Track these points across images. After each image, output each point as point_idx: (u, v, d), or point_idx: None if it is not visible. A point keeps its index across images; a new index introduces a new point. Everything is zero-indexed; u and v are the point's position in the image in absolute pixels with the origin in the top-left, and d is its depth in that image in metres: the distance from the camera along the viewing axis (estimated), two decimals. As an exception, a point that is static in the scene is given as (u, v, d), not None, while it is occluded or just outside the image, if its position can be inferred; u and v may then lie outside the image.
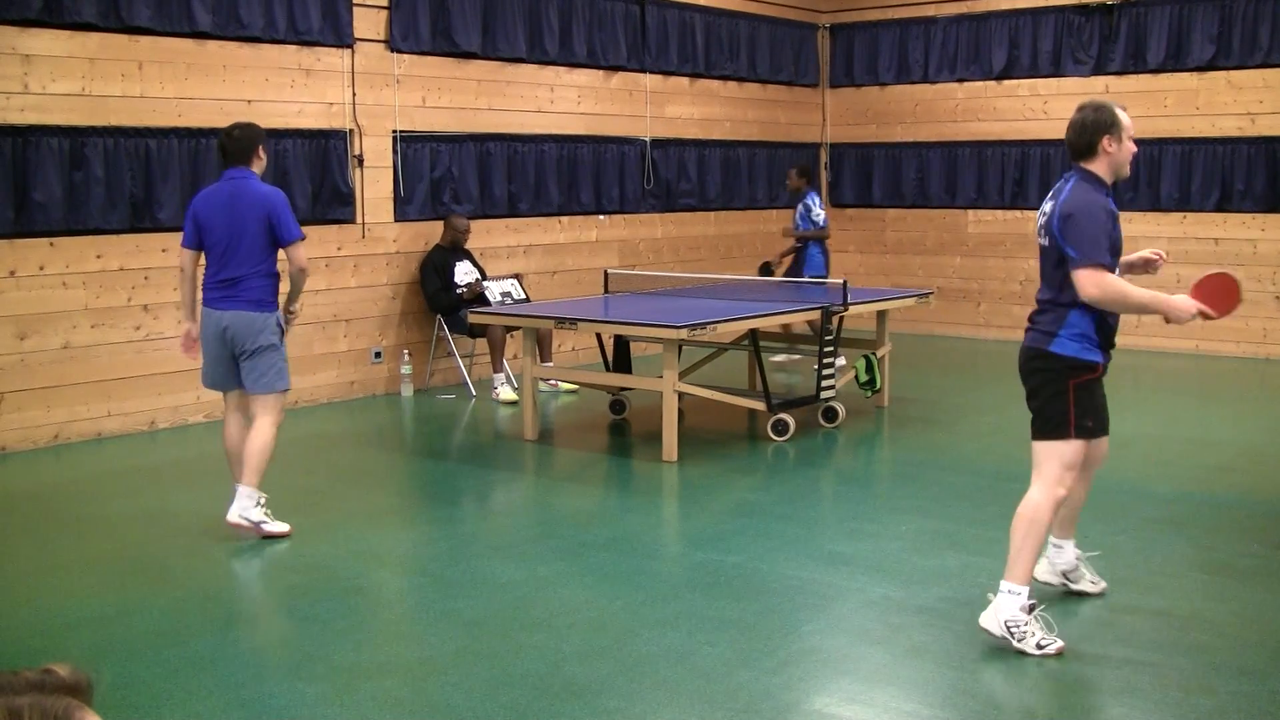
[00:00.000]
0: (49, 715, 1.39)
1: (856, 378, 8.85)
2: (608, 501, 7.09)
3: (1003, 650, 4.52)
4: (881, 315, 9.36)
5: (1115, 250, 4.67)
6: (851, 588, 5.27)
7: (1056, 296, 4.61)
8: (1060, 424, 4.55)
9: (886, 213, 13.83)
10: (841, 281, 8.77)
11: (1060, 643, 4.51)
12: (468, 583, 5.36)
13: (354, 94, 9.45)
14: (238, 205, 5.99)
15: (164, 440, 8.26)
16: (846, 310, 8.47)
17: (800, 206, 10.99)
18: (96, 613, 5.03)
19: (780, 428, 8.12)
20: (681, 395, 7.91)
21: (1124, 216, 13.44)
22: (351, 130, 9.45)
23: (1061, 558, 5.08)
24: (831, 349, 8.38)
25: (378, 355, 9.82)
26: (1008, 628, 4.51)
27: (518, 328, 9.16)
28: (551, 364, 9.86)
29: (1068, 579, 5.10)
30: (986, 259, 13.12)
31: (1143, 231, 12.15)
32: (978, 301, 13.20)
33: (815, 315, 8.45)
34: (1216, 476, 7.03)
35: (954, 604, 5.01)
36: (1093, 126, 4.62)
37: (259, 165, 6.13)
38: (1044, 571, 5.07)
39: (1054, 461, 4.56)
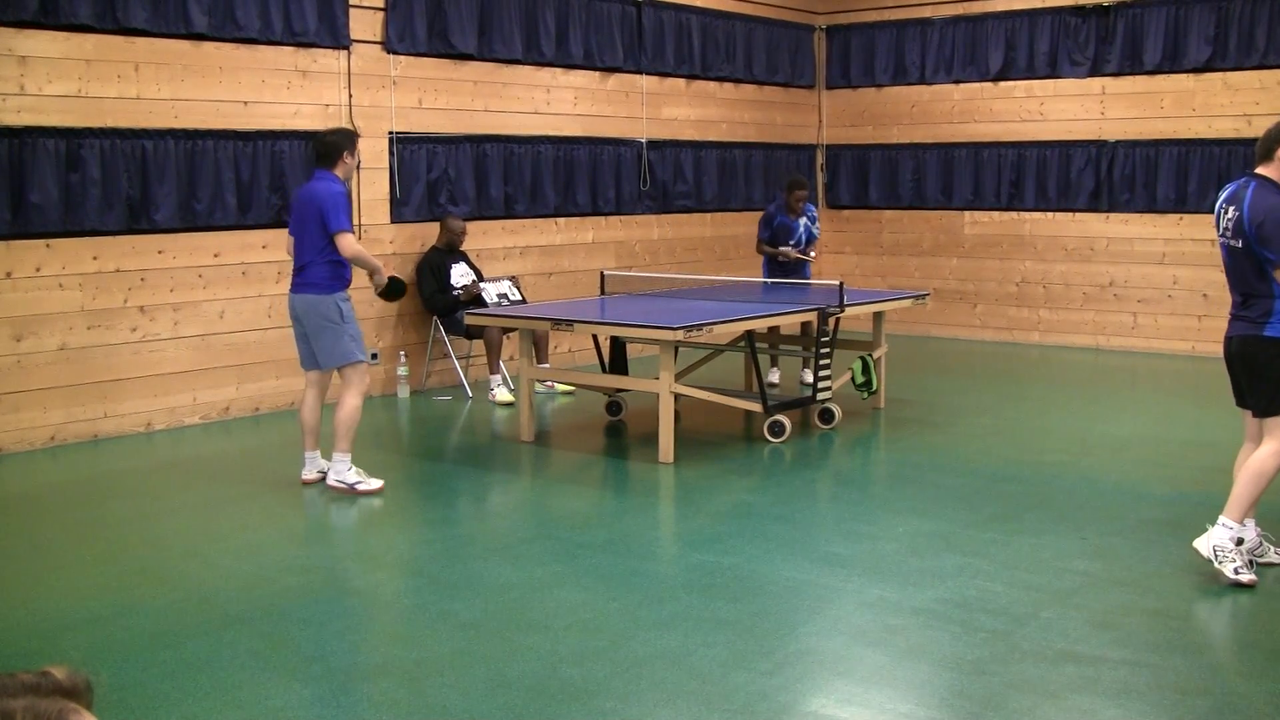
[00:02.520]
0: (43, 718, 1.38)
1: (853, 379, 8.85)
2: (604, 503, 7.08)
3: (1000, 651, 4.52)
4: (878, 317, 9.37)
5: None
6: (848, 589, 5.27)
7: (1257, 289, 5.17)
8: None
9: (883, 214, 13.83)
10: (838, 283, 8.77)
11: (1254, 577, 5.19)
12: (464, 584, 5.36)
13: (350, 95, 9.44)
14: (306, 201, 6.78)
15: (160, 442, 8.25)
16: (843, 312, 8.47)
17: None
18: (92, 614, 5.02)
19: (777, 429, 8.12)
20: (678, 396, 7.91)
21: (1120, 218, 13.42)
22: (348, 131, 9.44)
23: (1244, 537, 5.39)
24: (827, 350, 8.38)
25: (374, 357, 9.80)
26: (1215, 551, 5.21)
27: (514, 329, 9.16)
28: (548, 365, 9.86)
29: (1254, 555, 5.41)
30: (983, 260, 13.13)
31: (1139, 233, 12.18)
32: (974, 303, 13.20)
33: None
34: (1214, 478, 7.02)
35: (950, 605, 5.02)
36: (1276, 140, 5.16)
37: (342, 169, 6.84)
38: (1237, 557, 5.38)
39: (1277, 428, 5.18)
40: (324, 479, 6.97)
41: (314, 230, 6.72)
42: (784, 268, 10.22)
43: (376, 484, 6.86)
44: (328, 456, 6.98)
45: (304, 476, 7.03)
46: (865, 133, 13.93)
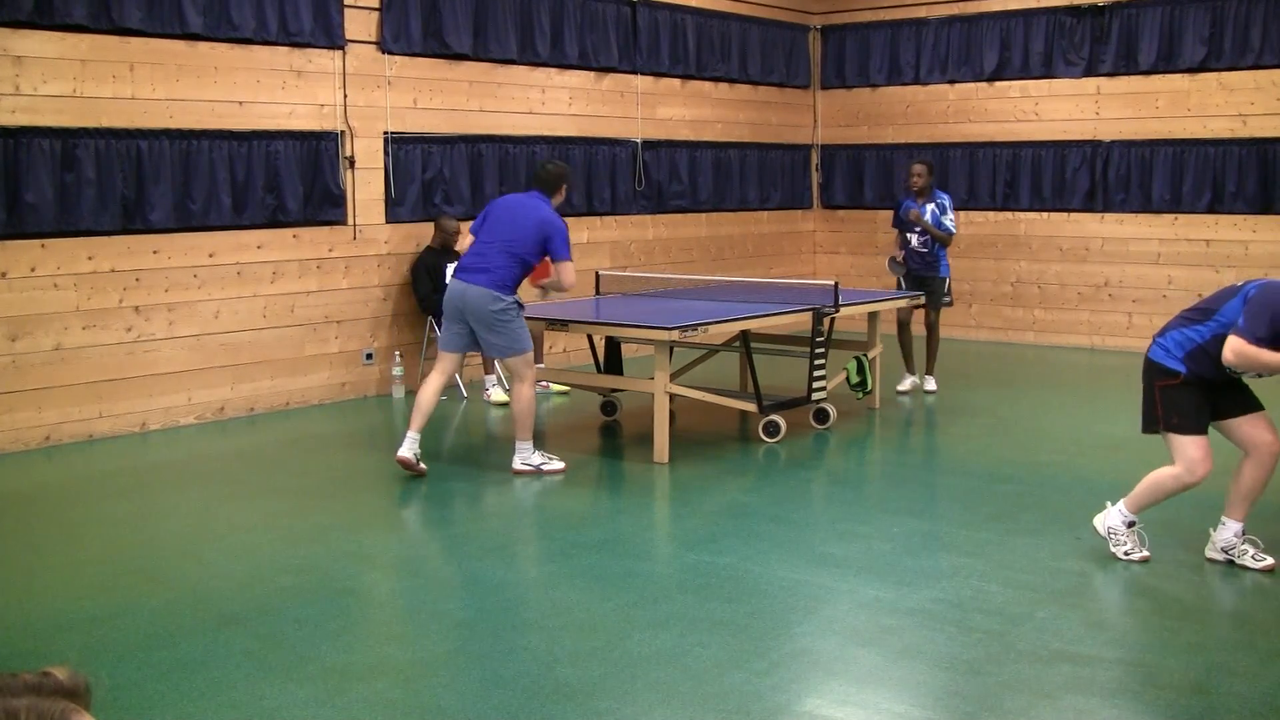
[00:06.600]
0: (45, 718, 1.39)
1: (848, 379, 8.86)
2: (599, 503, 7.09)
3: (995, 651, 4.53)
4: (873, 317, 9.37)
5: None
6: (843, 589, 5.28)
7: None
8: (1150, 420, 5.43)
9: (878, 214, 13.80)
10: (833, 283, 8.77)
11: (1146, 553, 5.48)
12: (459, 584, 5.36)
13: (345, 95, 9.44)
14: (523, 213, 7.16)
15: (155, 442, 8.25)
16: (838, 312, 8.48)
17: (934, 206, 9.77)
18: (88, 614, 5.02)
19: (772, 429, 8.13)
20: (673, 396, 7.91)
21: (1115, 218, 13.40)
22: (343, 132, 9.44)
23: (1222, 535, 5.49)
24: (822, 350, 8.38)
25: (369, 357, 9.81)
26: (1109, 532, 5.54)
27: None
28: (543, 365, 9.85)
29: (1229, 554, 5.47)
30: (978, 260, 13.14)
31: (1134, 233, 12.20)
32: (969, 303, 13.21)
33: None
34: (1209, 478, 7.04)
35: (945, 605, 5.02)
36: None
37: (557, 199, 7.36)
38: (1210, 550, 5.53)
39: (1171, 449, 5.38)
40: (417, 460, 7.21)
41: (523, 240, 7.07)
42: (912, 262, 9.83)
43: (560, 465, 7.29)
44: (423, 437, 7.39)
45: (400, 454, 7.19)
46: (860, 133, 13.94)
